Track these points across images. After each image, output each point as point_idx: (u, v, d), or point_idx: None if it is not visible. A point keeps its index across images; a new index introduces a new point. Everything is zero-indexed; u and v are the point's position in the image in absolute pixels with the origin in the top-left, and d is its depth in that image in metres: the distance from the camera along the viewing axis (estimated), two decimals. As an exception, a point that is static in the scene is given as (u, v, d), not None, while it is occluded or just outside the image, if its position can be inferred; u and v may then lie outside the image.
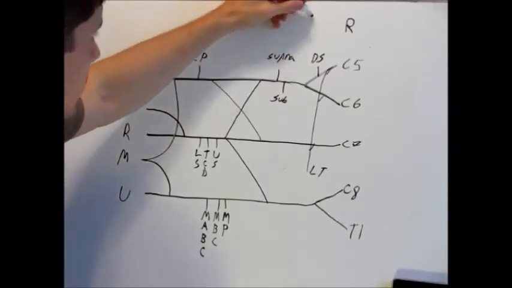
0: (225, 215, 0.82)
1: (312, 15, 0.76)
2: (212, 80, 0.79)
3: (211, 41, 0.72)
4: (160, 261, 0.83)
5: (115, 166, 0.82)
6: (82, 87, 0.55)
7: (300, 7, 0.73)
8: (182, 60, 0.73)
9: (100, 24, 0.51)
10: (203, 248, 0.83)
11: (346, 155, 0.79)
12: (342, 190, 0.80)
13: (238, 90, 0.79)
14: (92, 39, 0.52)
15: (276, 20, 0.75)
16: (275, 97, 0.79)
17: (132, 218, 0.83)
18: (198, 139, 0.80)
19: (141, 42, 0.72)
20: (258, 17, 0.72)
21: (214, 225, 0.82)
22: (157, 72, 0.72)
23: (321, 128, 0.79)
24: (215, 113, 0.80)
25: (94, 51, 0.53)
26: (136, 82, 0.71)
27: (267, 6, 0.70)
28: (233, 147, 0.80)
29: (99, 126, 0.73)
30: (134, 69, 0.70)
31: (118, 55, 0.70)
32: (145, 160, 0.81)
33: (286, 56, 0.78)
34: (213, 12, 0.71)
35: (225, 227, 0.82)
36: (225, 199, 0.82)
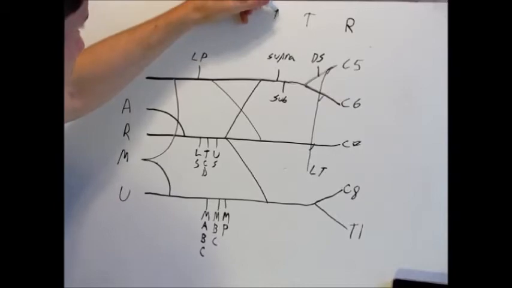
0: (225, 215, 0.82)
1: (277, 11, 0.76)
2: (212, 80, 0.79)
3: (177, 36, 0.72)
4: (160, 261, 0.83)
5: (115, 166, 0.82)
6: (68, 81, 0.55)
7: (264, 4, 0.74)
8: (148, 55, 0.73)
9: (86, 17, 0.51)
10: (203, 247, 0.83)
11: (346, 155, 0.79)
12: (341, 190, 0.80)
13: (238, 90, 0.79)
14: (78, 32, 0.52)
15: (244, 15, 0.75)
16: (275, 97, 0.79)
17: (132, 218, 0.83)
18: (198, 139, 0.80)
19: (108, 38, 0.71)
20: (223, 13, 0.72)
21: (214, 225, 0.82)
22: (124, 68, 0.72)
23: (321, 128, 0.79)
24: (215, 113, 0.80)
25: (79, 43, 0.53)
26: (103, 78, 0.71)
27: (232, 3, 0.71)
28: (233, 147, 0.80)
29: (66, 122, 0.72)
30: (101, 65, 0.70)
31: (85, 51, 0.70)
32: (145, 160, 0.81)
33: (286, 56, 0.78)
34: (179, 6, 0.71)
35: (225, 227, 0.82)
36: (225, 199, 0.82)
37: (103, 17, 0.72)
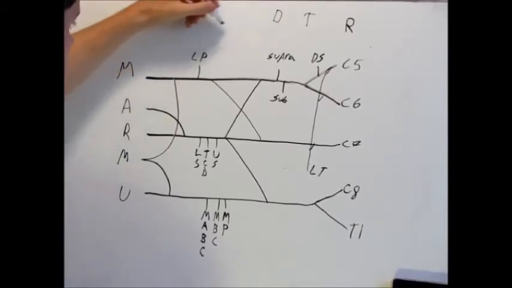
0: (225, 215, 0.82)
1: (222, 23, 0.76)
2: (212, 80, 0.79)
3: (124, 39, 0.73)
4: (160, 261, 0.83)
5: (115, 166, 0.82)
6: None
7: (211, 10, 0.74)
8: (95, 58, 0.73)
9: (78, 13, 0.51)
10: (203, 247, 0.83)
11: (346, 155, 0.79)
12: (341, 190, 0.80)
13: (238, 90, 0.79)
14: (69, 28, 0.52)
15: (189, 22, 0.76)
16: (275, 97, 0.79)
17: (132, 218, 0.83)
18: (198, 139, 0.80)
19: None
20: (169, 16, 0.73)
21: (214, 225, 0.82)
22: (72, 70, 0.71)
23: (321, 128, 0.79)
24: (215, 113, 0.80)
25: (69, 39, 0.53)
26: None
27: (178, 6, 0.71)
28: (233, 147, 0.80)
29: None
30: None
31: None
32: (145, 160, 0.81)
33: (286, 56, 0.78)
34: (126, 10, 0.72)
35: (225, 227, 0.82)
36: (225, 199, 0.82)
37: (97, 16, 0.72)
